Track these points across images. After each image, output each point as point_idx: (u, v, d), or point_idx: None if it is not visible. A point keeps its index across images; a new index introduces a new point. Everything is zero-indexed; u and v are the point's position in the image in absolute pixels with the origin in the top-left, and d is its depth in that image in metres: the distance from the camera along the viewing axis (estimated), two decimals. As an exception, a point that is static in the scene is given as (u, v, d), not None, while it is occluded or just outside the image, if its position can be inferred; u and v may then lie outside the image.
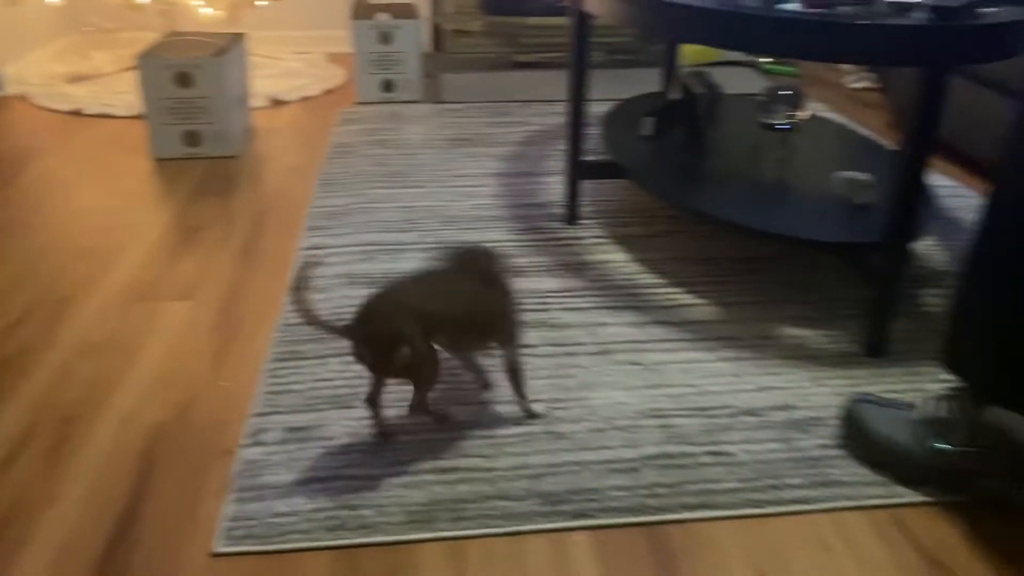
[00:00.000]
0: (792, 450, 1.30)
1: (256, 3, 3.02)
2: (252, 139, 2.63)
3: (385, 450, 1.27)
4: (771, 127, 2.04)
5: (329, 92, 3.15)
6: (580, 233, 1.99)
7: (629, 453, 1.28)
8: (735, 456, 1.29)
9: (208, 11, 3.02)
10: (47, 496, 1.17)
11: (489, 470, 1.24)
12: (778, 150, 1.99)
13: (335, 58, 3.54)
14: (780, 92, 1.98)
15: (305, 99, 3.08)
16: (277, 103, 3.02)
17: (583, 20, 1.84)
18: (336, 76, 3.30)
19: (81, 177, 2.32)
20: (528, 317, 1.61)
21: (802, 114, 2.02)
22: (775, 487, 1.23)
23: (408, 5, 3.11)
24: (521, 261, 1.84)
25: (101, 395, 1.39)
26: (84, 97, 3.00)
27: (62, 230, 1.99)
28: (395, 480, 1.21)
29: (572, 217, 2.04)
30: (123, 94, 3.05)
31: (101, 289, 1.72)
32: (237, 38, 2.60)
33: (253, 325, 1.60)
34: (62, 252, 1.88)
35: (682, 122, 2.06)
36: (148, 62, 2.36)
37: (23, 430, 1.30)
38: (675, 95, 2.15)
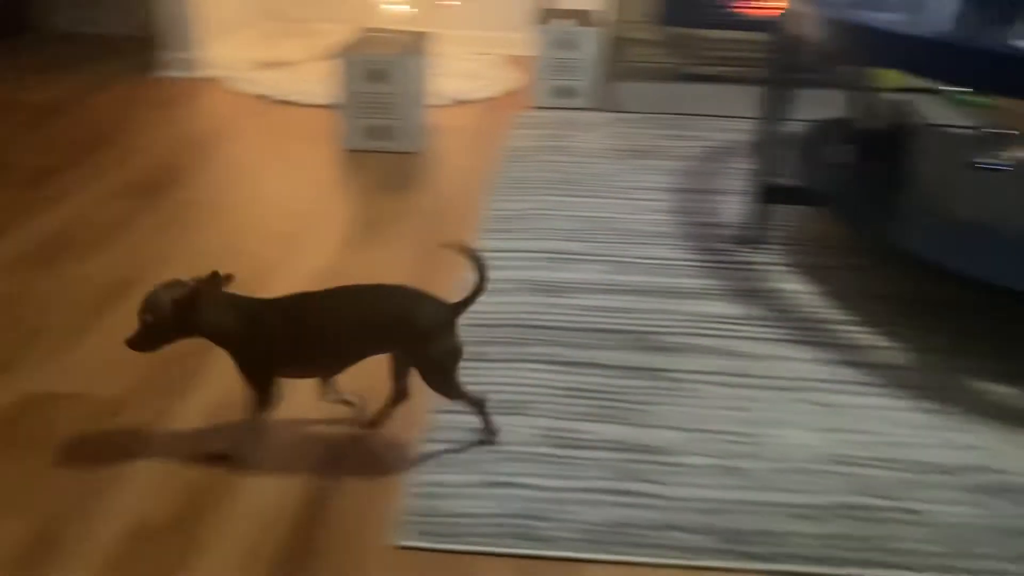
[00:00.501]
0: (988, 516, 1.23)
1: (443, 2, 3.10)
2: (431, 137, 2.71)
3: (559, 462, 1.28)
4: (984, 166, 1.93)
5: (506, 95, 3.20)
6: (760, 258, 1.94)
7: (813, 499, 1.24)
8: (924, 515, 1.22)
9: (398, 7, 3.12)
10: (233, 484, 1.24)
11: (663, 497, 1.23)
12: (991, 191, 1.88)
13: (513, 61, 3.59)
14: (996, 131, 1.87)
15: (483, 100, 3.14)
16: (456, 102, 3.09)
17: (790, 40, 1.79)
18: (513, 79, 3.35)
19: (269, 162, 2.45)
20: (703, 342, 1.59)
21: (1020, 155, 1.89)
22: (968, 554, 1.16)
23: (588, 13, 3.12)
24: (696, 283, 1.81)
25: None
26: (272, 84, 3.17)
27: (253, 213, 2.10)
28: (571, 496, 1.22)
29: (752, 240, 1.99)
30: (309, 83, 3.19)
31: (291, 274, 1.81)
32: (425, 37, 2.67)
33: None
34: (254, 235, 1.99)
35: (884, 152, 1.97)
36: (348, 57, 2.46)
37: (217, 406, 1.38)
38: (872, 122, 2.07)
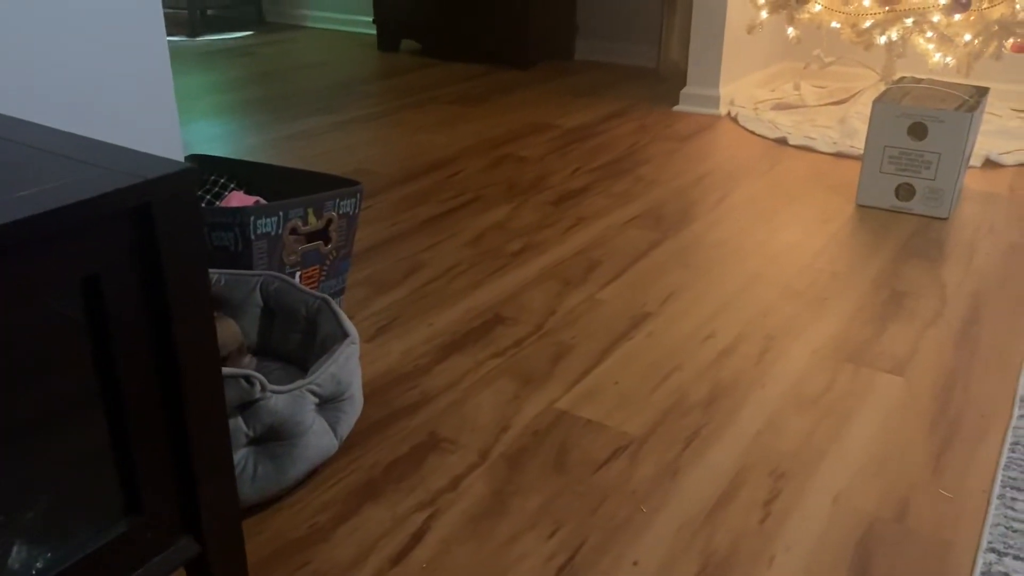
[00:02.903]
0: None
1: (995, 54, 2.74)
2: (962, 202, 2.40)
3: None
4: None
5: (1058, 162, 2.74)
6: None
7: None
8: None
9: (940, 57, 2.83)
10: (764, 553, 1.14)
11: None
12: None
13: (1067, 122, 3.08)
14: None
15: (1021, 165, 2.72)
16: (990, 164, 2.73)
17: None
18: (1068, 144, 2.86)
19: (782, 209, 2.35)
20: None
21: None
22: None
23: None
24: None
25: (811, 458, 1.34)
26: (788, 126, 3.07)
27: (767, 262, 2.02)
28: None
29: None
30: (824, 128, 3.04)
31: (808, 338, 1.69)
32: (981, 92, 2.37)
33: (976, 428, 1.41)
34: (769, 286, 1.90)
35: None
36: (883, 107, 2.28)
37: (737, 472, 1.31)
38: None
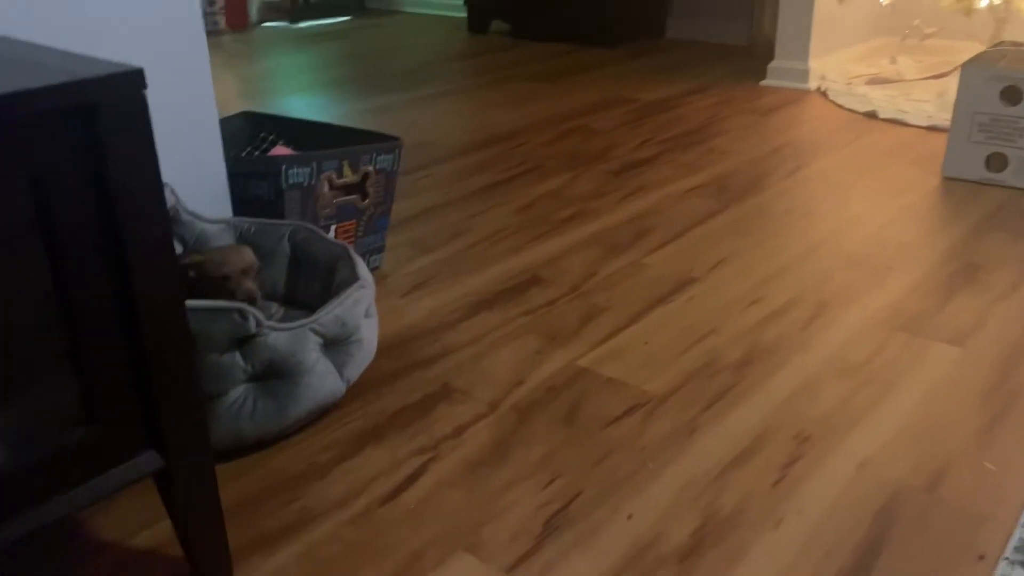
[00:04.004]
0: None
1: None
2: (1066, 175, 2.20)
3: None
4: None
5: None
6: None
7: None
8: None
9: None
10: (772, 514, 1.07)
11: None
12: None
13: None
14: None
15: None
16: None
17: None
18: None
19: (861, 181, 2.21)
20: None
21: None
22: None
23: None
24: None
25: (843, 424, 1.25)
26: (880, 100, 2.90)
27: (833, 232, 1.91)
28: None
29: None
30: (920, 103, 2.86)
31: (862, 305, 1.58)
32: (1088, 55, 2.17)
33: (1036, 403, 1.28)
34: (830, 255, 1.79)
35: None
36: (973, 71, 2.11)
37: (759, 434, 1.23)
38: None
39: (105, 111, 0.75)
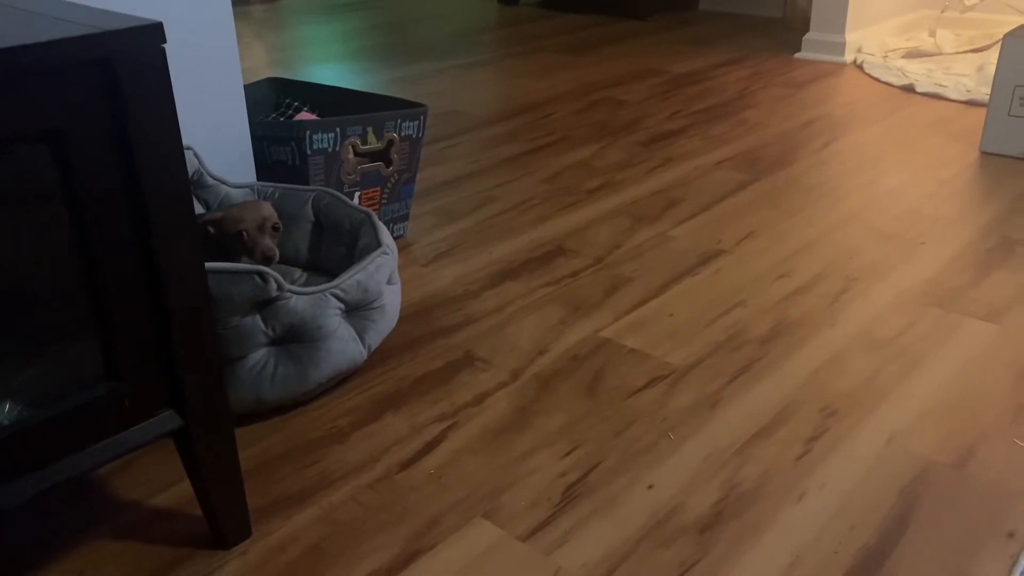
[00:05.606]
0: None
1: None
2: (1110, 152, 2.14)
3: None
4: None
5: None
6: None
7: None
8: None
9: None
10: (795, 489, 1.05)
11: None
12: None
13: None
14: None
15: None
16: None
17: None
18: None
19: (895, 155, 2.17)
20: None
21: None
22: None
23: None
24: None
25: (870, 399, 1.22)
26: (918, 73, 2.83)
27: (866, 206, 1.87)
28: None
29: None
30: (959, 76, 2.79)
31: (894, 281, 1.55)
32: None
33: (1072, 382, 1.25)
34: (861, 229, 1.76)
35: None
36: (1017, 42, 2.05)
37: (784, 407, 1.21)
38: None
39: (124, 65, 0.74)
